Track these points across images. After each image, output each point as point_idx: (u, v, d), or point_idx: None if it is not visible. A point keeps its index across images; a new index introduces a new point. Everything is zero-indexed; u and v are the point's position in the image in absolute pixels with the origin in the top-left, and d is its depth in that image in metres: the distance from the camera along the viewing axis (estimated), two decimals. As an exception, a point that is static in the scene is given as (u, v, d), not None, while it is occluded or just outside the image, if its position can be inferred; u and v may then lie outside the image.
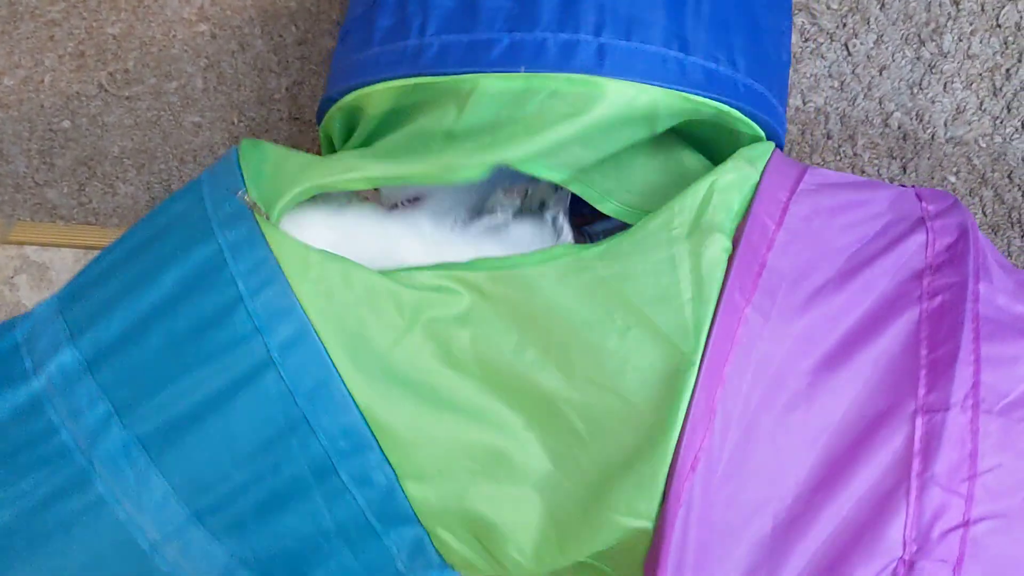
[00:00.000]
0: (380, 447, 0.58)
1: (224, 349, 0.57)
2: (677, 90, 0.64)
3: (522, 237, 0.68)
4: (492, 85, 0.63)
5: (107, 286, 0.62)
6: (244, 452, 0.57)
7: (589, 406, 0.59)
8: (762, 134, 0.69)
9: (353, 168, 0.63)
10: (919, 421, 0.56)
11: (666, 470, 0.56)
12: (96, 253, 0.92)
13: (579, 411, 0.59)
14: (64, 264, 0.95)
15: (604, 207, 0.66)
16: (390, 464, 0.58)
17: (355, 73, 0.68)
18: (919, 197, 0.67)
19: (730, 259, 0.60)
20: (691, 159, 0.72)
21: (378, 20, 0.67)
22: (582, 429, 0.59)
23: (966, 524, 0.54)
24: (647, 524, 0.57)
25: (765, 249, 0.61)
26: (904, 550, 0.54)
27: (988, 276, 0.62)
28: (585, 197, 0.66)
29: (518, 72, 0.62)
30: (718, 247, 0.59)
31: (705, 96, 0.65)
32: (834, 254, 0.62)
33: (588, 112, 0.63)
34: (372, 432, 0.58)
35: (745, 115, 0.67)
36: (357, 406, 0.57)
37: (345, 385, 0.57)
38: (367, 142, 0.69)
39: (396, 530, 0.60)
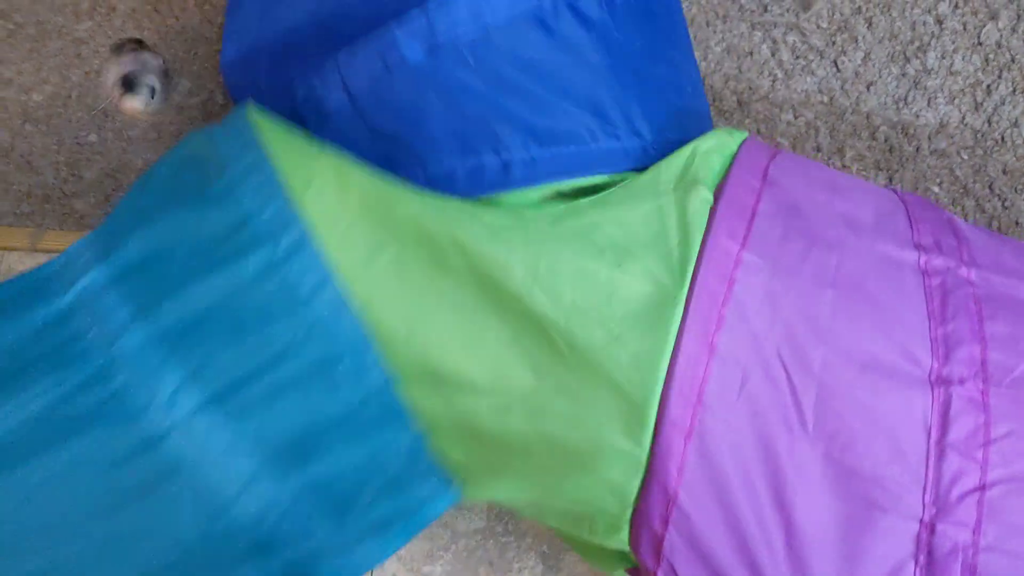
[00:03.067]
0: (379, 348, 0.61)
1: (236, 255, 0.61)
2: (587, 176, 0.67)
3: None
4: None
5: (133, 208, 0.66)
6: (254, 342, 0.60)
7: (572, 333, 0.61)
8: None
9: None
10: (936, 392, 0.58)
11: (656, 400, 0.59)
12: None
13: (563, 336, 0.61)
14: (91, 271, 0.98)
15: None
16: (391, 365, 0.61)
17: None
18: (895, 193, 0.71)
19: (712, 210, 0.63)
20: None
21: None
22: (565, 352, 0.61)
23: (982, 488, 0.57)
24: (639, 450, 0.59)
25: (754, 201, 0.64)
26: (924, 512, 0.57)
27: (975, 262, 0.64)
28: None
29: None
30: (700, 198, 0.63)
31: (609, 172, 0.68)
32: (830, 216, 0.65)
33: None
34: (370, 333, 0.61)
35: None
36: (355, 309, 0.61)
37: (343, 288, 0.61)
38: None
39: (391, 430, 0.63)
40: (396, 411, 0.63)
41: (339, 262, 0.61)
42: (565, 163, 0.66)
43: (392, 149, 0.67)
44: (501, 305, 0.62)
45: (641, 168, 0.67)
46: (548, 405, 0.62)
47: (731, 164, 0.66)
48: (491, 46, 0.66)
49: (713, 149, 0.67)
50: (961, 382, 0.59)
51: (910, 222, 0.66)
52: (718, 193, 0.64)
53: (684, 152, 0.66)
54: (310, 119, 0.70)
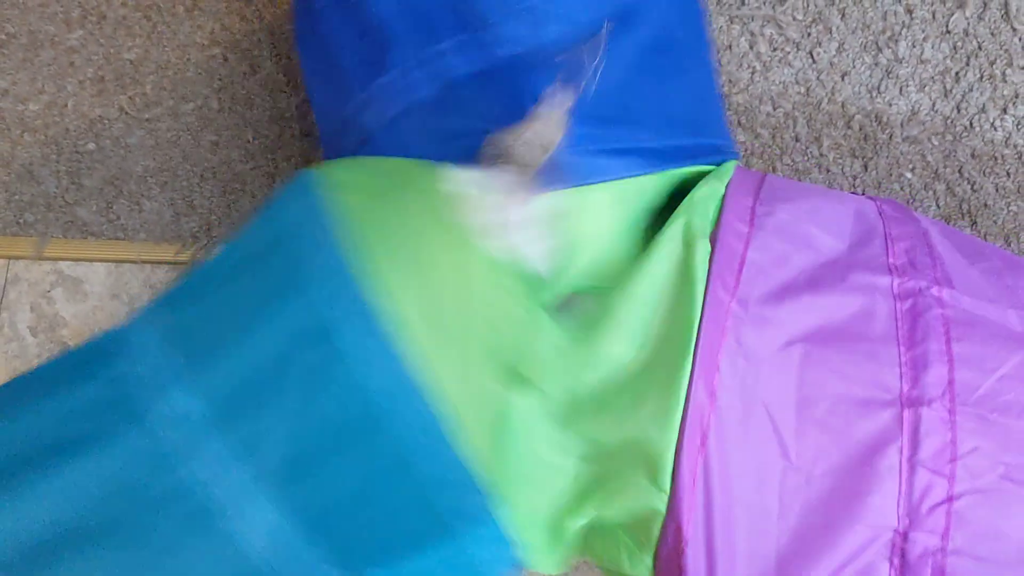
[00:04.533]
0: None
1: (338, 406, 0.59)
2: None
3: None
4: None
5: (216, 317, 0.61)
6: (358, 500, 0.59)
7: (610, 403, 0.66)
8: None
9: None
10: (905, 413, 0.63)
11: (673, 446, 0.63)
12: (125, 266, 0.98)
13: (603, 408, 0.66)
14: (97, 277, 1.00)
15: None
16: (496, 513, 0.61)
17: None
18: (874, 202, 0.75)
19: (710, 261, 0.67)
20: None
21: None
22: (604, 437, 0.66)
23: (950, 500, 0.62)
24: (662, 497, 0.64)
25: (743, 248, 0.68)
26: (899, 523, 0.62)
27: (949, 281, 0.68)
28: None
29: None
30: (702, 251, 0.67)
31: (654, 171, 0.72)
32: (808, 251, 0.69)
33: None
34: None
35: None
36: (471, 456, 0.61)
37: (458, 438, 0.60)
38: None
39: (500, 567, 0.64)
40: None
41: (438, 375, 0.60)
42: (636, 161, 0.70)
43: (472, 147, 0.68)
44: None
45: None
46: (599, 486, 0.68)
47: (721, 209, 0.70)
48: None
49: (707, 196, 0.70)
50: (929, 403, 0.63)
51: (886, 242, 0.70)
52: (713, 240, 0.68)
53: (684, 208, 0.70)
54: (391, 105, 0.71)
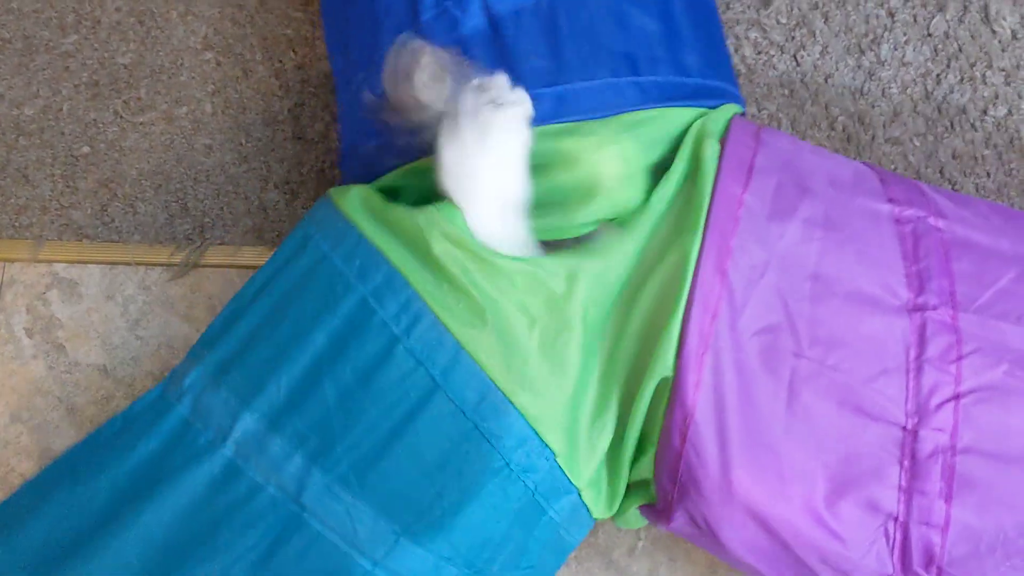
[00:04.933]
0: (538, 435, 0.66)
1: (394, 385, 0.65)
2: (632, 111, 0.74)
3: None
4: None
5: (258, 350, 0.68)
6: (431, 466, 0.64)
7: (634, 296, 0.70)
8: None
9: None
10: (912, 317, 0.67)
11: (679, 322, 0.66)
12: (120, 268, 0.99)
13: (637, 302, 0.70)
14: (92, 279, 1.02)
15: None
16: (548, 447, 0.66)
17: (402, 153, 0.75)
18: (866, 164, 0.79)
19: (720, 159, 0.72)
20: None
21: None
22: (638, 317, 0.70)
23: (957, 397, 0.65)
24: (669, 363, 0.67)
25: (751, 156, 0.72)
26: (907, 420, 0.64)
27: (943, 214, 0.72)
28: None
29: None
30: (711, 148, 0.72)
31: (659, 106, 0.75)
32: (813, 172, 0.73)
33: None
34: (529, 424, 0.66)
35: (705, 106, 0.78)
36: (515, 406, 0.65)
37: (502, 392, 0.65)
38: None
39: (558, 501, 0.69)
40: (559, 485, 0.69)
41: (492, 369, 0.66)
42: (652, 90, 0.74)
43: (522, 72, 0.71)
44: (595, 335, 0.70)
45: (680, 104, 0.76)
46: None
47: (728, 127, 0.74)
48: None
49: (716, 118, 0.75)
50: (934, 308, 0.67)
51: (882, 183, 0.74)
52: (722, 145, 0.73)
53: (695, 123, 0.74)
54: (434, 40, 0.73)
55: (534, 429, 0.66)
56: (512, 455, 0.66)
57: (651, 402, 0.69)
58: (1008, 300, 0.68)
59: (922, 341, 0.66)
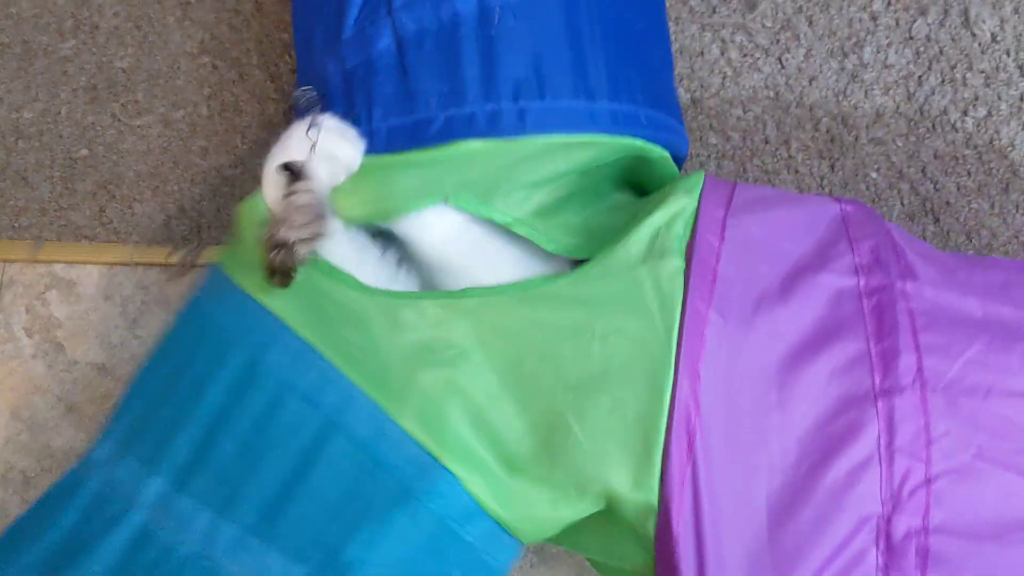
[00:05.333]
0: (437, 461, 0.67)
1: (289, 430, 0.66)
2: (587, 134, 0.74)
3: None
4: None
5: (159, 417, 0.69)
6: (337, 505, 0.65)
7: (583, 408, 0.68)
8: (667, 154, 0.79)
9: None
10: (880, 404, 0.67)
11: (660, 451, 0.66)
12: (118, 269, 1.01)
13: (575, 414, 0.68)
14: (90, 279, 1.03)
15: (548, 247, 0.76)
16: (450, 472, 0.67)
17: None
18: (838, 203, 0.79)
19: (686, 274, 0.70)
20: (620, 197, 0.83)
21: (332, 110, 0.75)
22: (578, 432, 0.68)
23: (928, 482, 0.65)
24: (652, 498, 0.67)
25: (715, 261, 0.71)
26: (882, 508, 0.65)
27: (912, 274, 0.72)
28: (532, 239, 0.76)
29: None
30: (672, 266, 0.70)
31: (614, 134, 0.75)
32: (778, 260, 0.72)
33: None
34: (427, 451, 0.66)
35: (651, 140, 0.77)
36: (409, 435, 0.66)
37: (395, 422, 0.66)
38: None
39: (471, 525, 0.69)
40: (468, 508, 0.69)
41: (384, 404, 0.67)
42: (563, 118, 0.73)
43: (418, 94, 0.72)
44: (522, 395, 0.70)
45: (631, 133, 0.75)
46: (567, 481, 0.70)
47: (695, 222, 0.72)
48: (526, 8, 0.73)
49: (676, 216, 0.72)
50: (901, 392, 0.67)
51: (851, 244, 0.73)
52: (688, 255, 0.71)
53: (648, 225, 0.72)
54: (351, 57, 0.75)
55: (432, 456, 0.67)
56: (413, 484, 0.66)
57: (622, 517, 0.70)
58: (977, 372, 0.68)
59: (891, 428, 0.66)
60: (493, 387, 0.69)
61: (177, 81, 1.05)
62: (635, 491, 0.68)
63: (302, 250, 0.66)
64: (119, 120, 1.05)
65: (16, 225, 1.04)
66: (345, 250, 0.73)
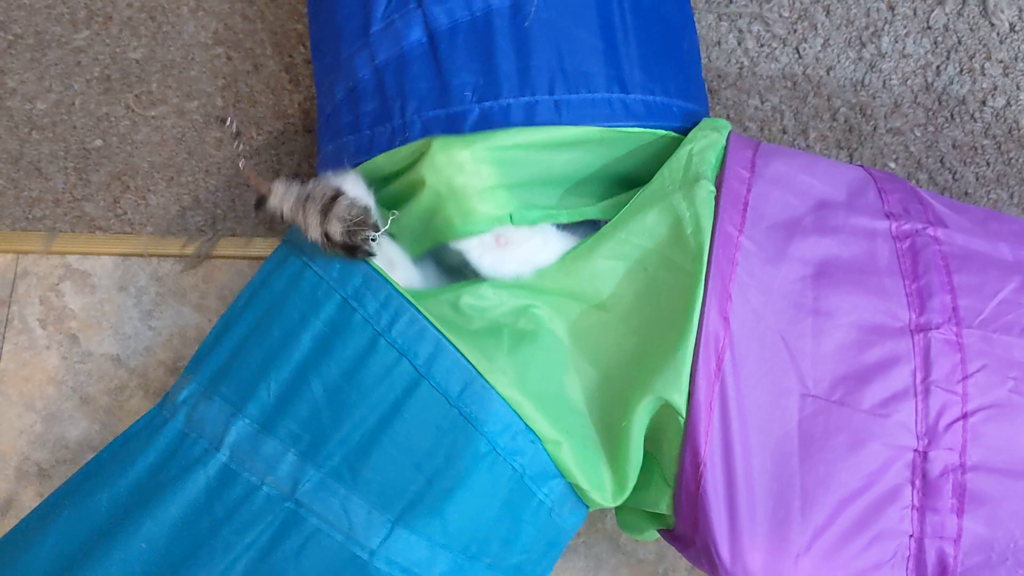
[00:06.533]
0: (521, 419, 0.68)
1: (379, 379, 0.67)
2: (622, 127, 0.74)
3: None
4: None
5: (247, 359, 0.70)
6: (420, 455, 0.66)
7: (640, 326, 0.72)
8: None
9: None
10: (916, 339, 0.67)
11: (688, 366, 0.67)
12: (132, 260, 1.00)
13: (635, 330, 0.72)
14: (104, 270, 1.03)
15: (592, 214, 0.78)
16: (532, 431, 0.68)
17: (353, 153, 0.77)
18: (863, 168, 0.78)
19: (716, 200, 0.71)
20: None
21: (361, 105, 0.76)
22: (635, 343, 0.71)
23: (964, 416, 0.65)
24: (680, 402, 0.67)
25: (746, 191, 0.71)
26: (918, 442, 0.65)
27: (943, 223, 0.72)
28: (577, 218, 0.77)
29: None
30: (705, 190, 0.71)
31: (648, 126, 0.76)
32: (808, 198, 0.73)
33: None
34: (513, 409, 0.68)
35: (682, 131, 0.78)
36: (497, 392, 0.67)
37: (484, 378, 0.67)
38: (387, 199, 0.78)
39: (547, 484, 0.70)
40: (546, 468, 0.71)
41: (474, 359, 0.68)
42: (599, 109, 0.74)
43: (452, 87, 0.73)
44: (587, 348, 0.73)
45: (649, 125, 0.76)
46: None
47: (724, 157, 0.74)
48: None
49: (708, 147, 0.74)
50: (937, 327, 0.67)
51: (880, 194, 0.74)
52: (718, 183, 0.72)
53: (682, 154, 0.73)
54: (381, 51, 0.75)
55: (517, 413, 0.68)
56: (498, 439, 0.68)
57: (660, 433, 0.70)
58: (1011, 311, 0.68)
59: (927, 363, 0.66)
60: (564, 350, 0.72)
61: (191, 72, 1.05)
62: (668, 391, 0.68)
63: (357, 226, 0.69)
64: (133, 111, 1.04)
65: (30, 216, 1.04)
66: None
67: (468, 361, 0.68)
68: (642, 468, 0.72)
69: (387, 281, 0.69)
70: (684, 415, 0.67)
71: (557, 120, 0.72)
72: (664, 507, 0.72)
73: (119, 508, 0.67)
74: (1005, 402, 0.65)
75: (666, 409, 0.68)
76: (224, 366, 0.71)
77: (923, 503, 0.64)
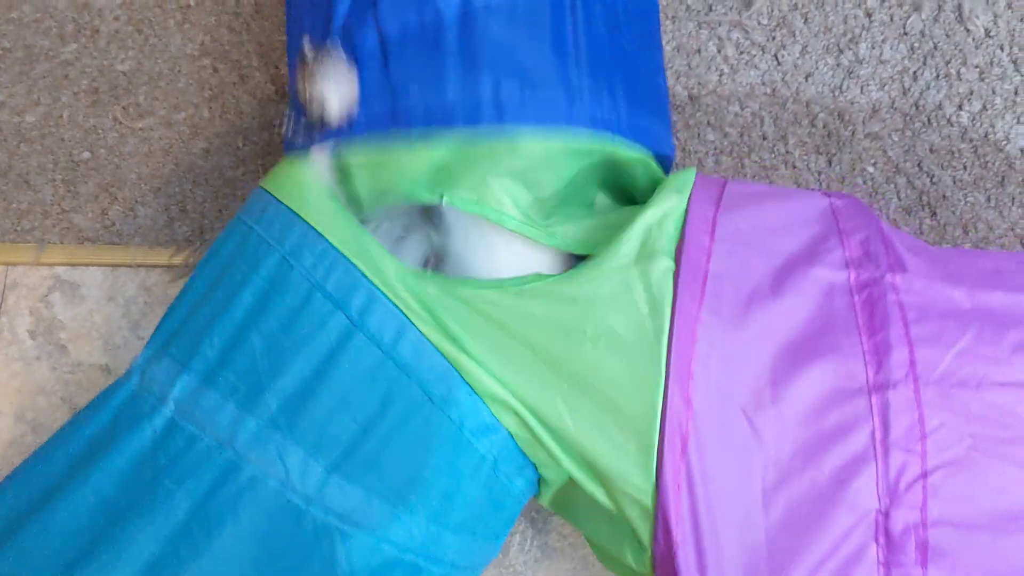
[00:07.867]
0: (456, 370, 0.69)
1: (314, 331, 0.68)
2: (565, 128, 0.73)
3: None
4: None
5: (196, 320, 0.71)
6: (355, 405, 0.68)
7: (578, 404, 0.69)
8: (646, 157, 0.78)
9: None
10: (874, 399, 0.67)
11: (655, 454, 0.67)
12: (121, 270, 1.01)
13: (569, 405, 0.69)
14: (94, 281, 1.03)
15: (547, 241, 0.76)
16: (468, 385, 0.69)
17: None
18: (828, 198, 0.78)
19: (675, 275, 0.70)
20: (602, 199, 0.82)
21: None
22: (570, 425, 0.69)
23: (924, 475, 0.65)
24: (646, 498, 0.67)
25: (705, 260, 0.71)
26: (880, 503, 0.65)
27: (902, 266, 0.72)
28: (526, 234, 0.76)
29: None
30: (662, 267, 0.70)
31: (594, 134, 0.74)
32: (769, 256, 0.72)
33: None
34: (448, 360, 0.69)
35: (630, 144, 0.77)
36: (430, 342, 0.68)
37: (418, 329, 0.68)
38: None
39: (485, 437, 0.71)
40: (485, 422, 0.71)
41: (408, 311, 0.69)
42: (546, 110, 0.73)
43: (399, 86, 0.73)
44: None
45: (607, 135, 0.75)
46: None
47: (684, 223, 0.73)
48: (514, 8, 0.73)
49: (667, 215, 0.73)
50: (894, 386, 0.67)
51: (840, 238, 0.73)
52: (678, 255, 0.71)
53: (639, 224, 0.72)
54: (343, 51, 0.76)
55: (452, 364, 0.69)
56: (432, 388, 0.69)
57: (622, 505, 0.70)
58: (967, 364, 0.68)
59: (885, 423, 0.66)
60: (489, 368, 0.71)
61: (178, 84, 1.06)
62: (631, 492, 0.68)
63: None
64: (121, 123, 1.05)
65: (19, 228, 1.04)
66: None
67: (401, 311, 0.69)
68: (615, 536, 0.73)
69: (322, 236, 0.70)
70: (653, 503, 0.67)
71: (499, 119, 0.72)
72: (643, 569, 0.72)
73: (72, 466, 0.70)
74: (963, 459, 0.66)
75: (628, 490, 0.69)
76: (175, 329, 0.73)
77: (888, 558, 0.65)
